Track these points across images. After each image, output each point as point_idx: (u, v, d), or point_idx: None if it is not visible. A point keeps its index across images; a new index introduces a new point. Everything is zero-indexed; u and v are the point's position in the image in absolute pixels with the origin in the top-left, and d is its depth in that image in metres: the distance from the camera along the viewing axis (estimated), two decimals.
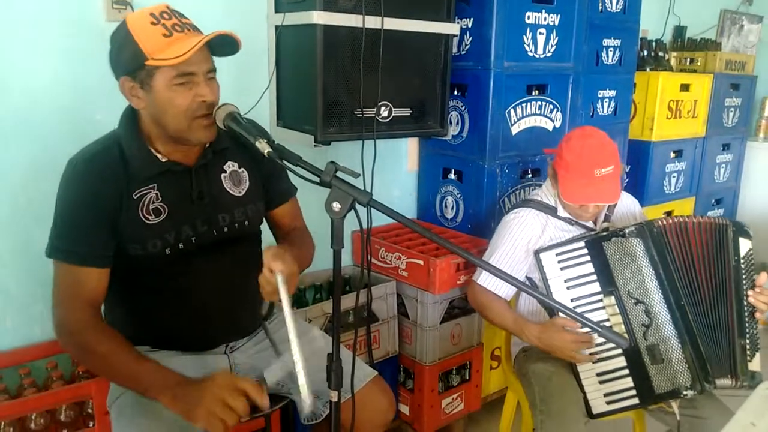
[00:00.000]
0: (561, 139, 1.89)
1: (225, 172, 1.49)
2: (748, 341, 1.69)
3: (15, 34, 1.71)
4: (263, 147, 1.20)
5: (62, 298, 1.32)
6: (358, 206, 1.13)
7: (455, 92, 2.46)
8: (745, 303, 1.70)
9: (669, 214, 3.26)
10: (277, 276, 1.19)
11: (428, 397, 2.35)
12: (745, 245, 1.74)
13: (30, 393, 1.67)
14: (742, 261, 1.73)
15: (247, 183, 1.52)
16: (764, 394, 1.27)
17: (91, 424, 1.72)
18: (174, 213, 1.39)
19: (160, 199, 1.38)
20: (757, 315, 1.71)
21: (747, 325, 1.70)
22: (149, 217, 1.37)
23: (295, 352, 1.12)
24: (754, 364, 1.70)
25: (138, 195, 1.36)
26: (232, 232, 1.48)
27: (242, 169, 1.52)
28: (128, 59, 1.29)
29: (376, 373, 1.58)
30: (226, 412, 1.15)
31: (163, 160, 1.38)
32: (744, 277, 1.72)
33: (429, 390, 2.34)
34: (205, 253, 1.44)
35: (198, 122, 1.32)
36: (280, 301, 1.19)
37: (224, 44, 1.33)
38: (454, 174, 2.56)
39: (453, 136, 2.49)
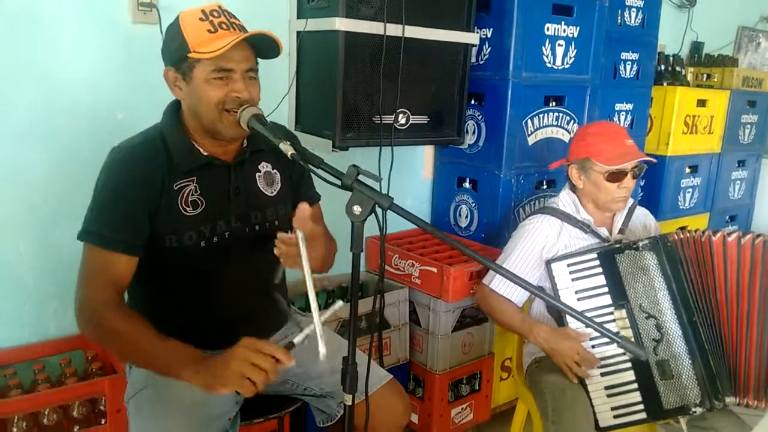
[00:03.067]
0: (574, 136, 1.97)
1: (260, 171, 1.52)
2: None
3: (40, 33, 1.74)
4: (287, 149, 1.21)
5: (86, 279, 1.32)
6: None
7: (473, 101, 2.46)
8: None
9: (683, 229, 3.24)
10: (297, 234, 1.20)
11: (438, 406, 2.34)
12: None
13: (43, 388, 1.68)
14: None
15: (279, 184, 1.55)
16: None
17: (103, 422, 1.72)
18: (211, 207, 1.41)
19: (199, 192, 1.40)
20: None
21: None
22: (187, 209, 1.39)
23: (313, 307, 1.12)
24: None
25: (178, 186, 1.38)
26: (263, 231, 1.49)
27: (275, 170, 1.55)
28: (174, 51, 1.35)
29: (392, 376, 1.58)
30: (255, 372, 1.15)
31: (204, 153, 1.41)
32: None
33: (439, 399, 2.34)
34: (235, 251, 1.45)
35: (227, 115, 1.34)
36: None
37: (268, 47, 1.37)
38: (469, 183, 2.56)
39: (469, 145, 2.50)
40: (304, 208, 1.24)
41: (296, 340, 1.20)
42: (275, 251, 1.26)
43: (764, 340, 1.67)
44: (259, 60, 1.42)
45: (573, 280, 1.78)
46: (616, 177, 1.82)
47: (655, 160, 1.89)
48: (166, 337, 1.26)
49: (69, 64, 1.80)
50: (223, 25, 1.33)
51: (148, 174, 1.35)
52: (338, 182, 1.16)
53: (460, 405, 2.42)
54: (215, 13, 1.34)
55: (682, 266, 1.71)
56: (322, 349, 1.10)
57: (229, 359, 1.17)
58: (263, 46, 1.38)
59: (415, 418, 2.42)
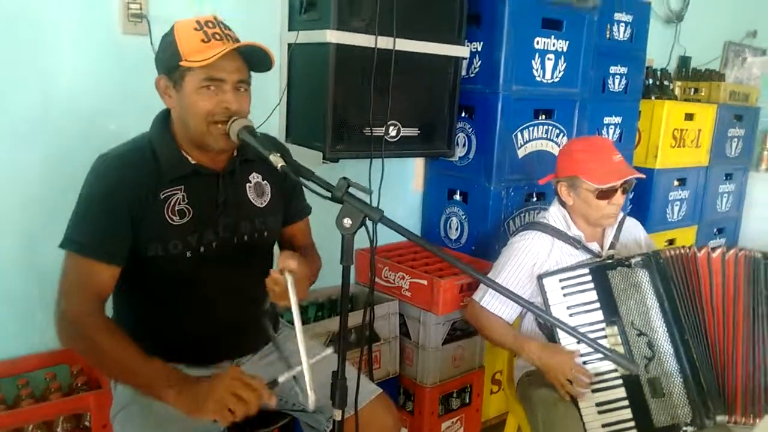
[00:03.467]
0: (560, 152, 1.96)
1: (250, 182, 1.51)
2: None
3: (30, 43, 1.73)
4: (277, 161, 1.21)
5: (68, 289, 1.30)
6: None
7: (463, 114, 2.47)
8: None
9: (671, 242, 3.26)
10: (287, 276, 1.21)
11: (428, 420, 2.32)
12: None
13: (27, 403, 1.65)
14: None
15: (269, 196, 1.54)
16: None
17: None
18: (198, 216, 1.40)
19: (186, 201, 1.39)
20: None
21: None
22: (174, 218, 1.37)
23: (302, 352, 1.14)
24: None
25: (165, 195, 1.37)
26: (251, 242, 1.49)
27: (266, 181, 1.54)
28: (167, 59, 1.35)
29: (381, 390, 1.57)
30: (236, 404, 1.16)
31: (193, 162, 1.40)
32: None
33: (429, 413, 2.32)
34: (222, 262, 1.44)
35: (216, 127, 1.33)
36: (288, 309, 1.21)
37: (260, 59, 1.37)
38: (460, 195, 2.56)
39: (459, 157, 2.50)
40: (281, 263, 1.26)
41: (281, 379, 1.23)
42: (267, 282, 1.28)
43: (750, 355, 1.68)
44: (251, 73, 1.42)
45: (565, 295, 1.77)
46: (606, 194, 1.82)
47: (643, 176, 1.88)
48: (150, 357, 1.25)
49: (60, 74, 1.79)
50: (217, 36, 1.33)
51: (135, 182, 1.34)
52: (329, 195, 1.16)
53: (451, 419, 2.41)
54: (210, 24, 1.34)
55: (674, 283, 1.71)
56: (311, 397, 1.13)
57: (214, 386, 1.18)
58: (255, 59, 1.38)
59: None
